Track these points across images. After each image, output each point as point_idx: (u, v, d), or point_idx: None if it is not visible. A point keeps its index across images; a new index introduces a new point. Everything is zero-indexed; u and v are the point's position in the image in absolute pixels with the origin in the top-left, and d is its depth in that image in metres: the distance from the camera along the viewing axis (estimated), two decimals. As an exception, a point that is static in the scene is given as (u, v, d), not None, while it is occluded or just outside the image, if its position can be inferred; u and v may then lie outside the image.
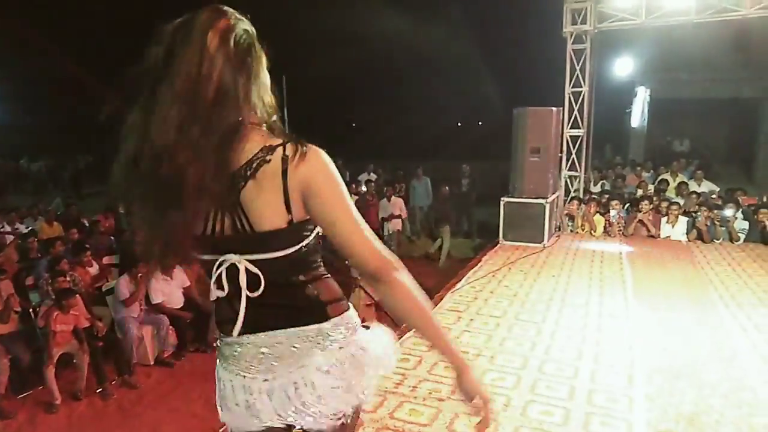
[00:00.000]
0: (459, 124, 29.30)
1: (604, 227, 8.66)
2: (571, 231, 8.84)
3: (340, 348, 1.36)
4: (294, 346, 1.34)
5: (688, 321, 4.81)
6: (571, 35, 8.84)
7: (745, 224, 8.13)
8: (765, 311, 5.09)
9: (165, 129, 1.14)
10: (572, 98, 9.02)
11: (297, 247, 1.29)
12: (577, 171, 9.32)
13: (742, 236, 8.04)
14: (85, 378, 4.92)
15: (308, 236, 1.31)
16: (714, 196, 9.24)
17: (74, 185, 17.61)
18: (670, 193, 9.56)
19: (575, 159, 9.22)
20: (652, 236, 8.34)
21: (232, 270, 1.29)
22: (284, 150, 1.22)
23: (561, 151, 8.96)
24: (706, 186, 9.89)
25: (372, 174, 12.04)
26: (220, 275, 1.30)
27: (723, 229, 8.06)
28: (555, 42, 9.17)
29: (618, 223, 8.58)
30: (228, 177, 1.20)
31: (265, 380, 1.35)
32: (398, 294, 1.27)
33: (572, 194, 9.29)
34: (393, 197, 9.76)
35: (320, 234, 1.34)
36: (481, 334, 4.47)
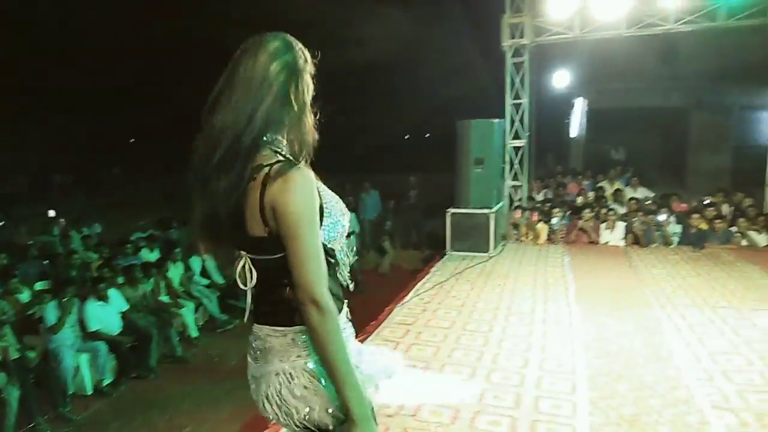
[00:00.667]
0: (407, 137, 29.59)
1: (548, 235, 8.90)
2: (516, 239, 9.04)
3: (298, 357, 1.43)
4: (268, 343, 1.47)
5: (628, 324, 4.98)
6: (510, 49, 9.11)
7: (678, 228, 8.53)
8: (697, 311, 5.33)
9: (211, 135, 1.39)
10: (513, 110, 9.27)
11: (283, 253, 1.36)
12: (519, 181, 9.56)
13: (676, 239, 8.43)
14: (15, 413, 4.62)
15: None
16: (649, 201, 9.65)
17: (5, 207, 16.69)
18: (608, 199, 9.93)
19: (518, 169, 9.45)
20: (593, 242, 8.63)
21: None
22: (270, 169, 1.35)
23: (504, 162, 9.18)
24: (641, 192, 10.31)
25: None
26: (242, 268, 1.46)
27: (658, 233, 8.43)
28: (496, 56, 9.43)
29: (560, 231, 8.84)
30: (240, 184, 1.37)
31: (255, 368, 1.51)
32: (312, 333, 1.36)
33: (516, 203, 9.52)
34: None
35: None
36: (430, 347, 4.48)
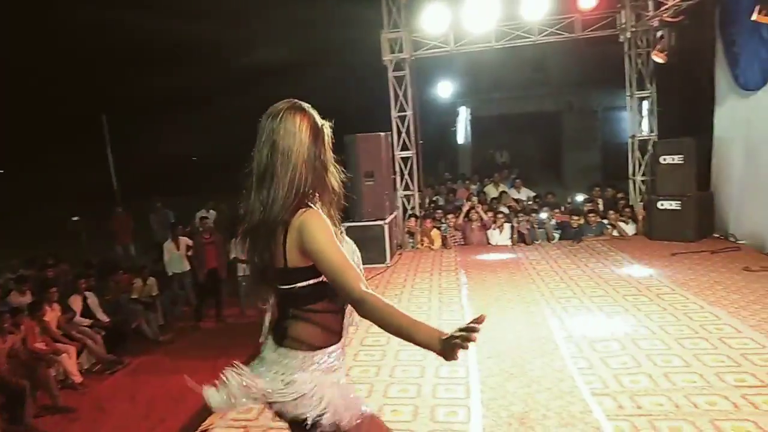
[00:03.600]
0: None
1: (442, 240, 9.17)
2: (412, 247, 9.23)
3: (275, 373, 1.78)
4: (269, 353, 1.85)
5: (516, 321, 5.21)
6: (391, 63, 9.33)
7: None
8: (578, 302, 5.71)
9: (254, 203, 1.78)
10: (399, 122, 9.49)
11: (292, 285, 1.77)
12: (411, 190, 9.78)
13: (557, 236, 9.01)
14: None
15: (301, 281, 1.77)
16: (530, 202, 10.26)
17: None
18: (497, 201, 10.43)
19: (408, 179, 9.67)
20: (484, 244, 9.02)
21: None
22: (292, 217, 1.72)
23: (394, 173, 9.35)
24: (524, 193, 10.95)
25: (211, 211, 11.51)
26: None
27: (541, 231, 8.97)
28: (379, 70, 9.62)
29: (452, 236, 9.15)
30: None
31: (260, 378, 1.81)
32: (371, 315, 1.66)
33: (409, 212, 9.73)
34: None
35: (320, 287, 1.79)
36: (328, 367, 4.41)
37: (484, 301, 5.96)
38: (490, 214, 9.28)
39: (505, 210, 9.62)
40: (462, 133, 17.08)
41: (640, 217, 9.11)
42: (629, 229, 8.96)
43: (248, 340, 7.11)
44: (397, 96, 9.41)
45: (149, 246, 11.44)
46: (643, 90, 9.44)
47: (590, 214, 9.07)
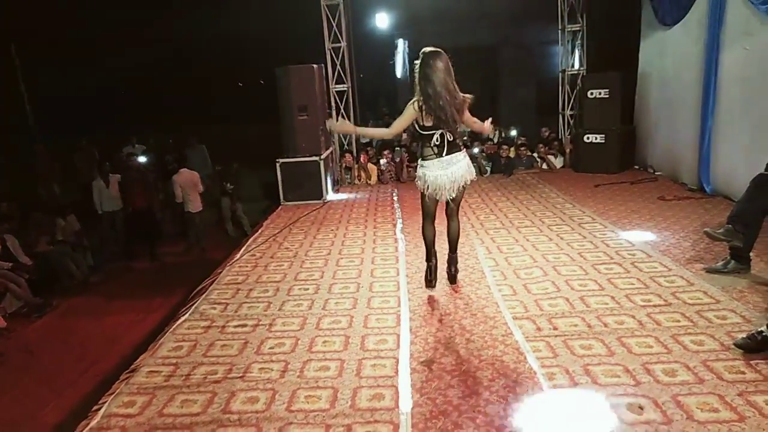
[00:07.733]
0: (240, 84, 28.05)
1: (378, 175, 9.20)
2: (349, 183, 9.23)
3: (465, 157, 4.13)
4: (454, 158, 4.07)
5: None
6: (323, -9, 8.93)
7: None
8: (506, 232, 5.94)
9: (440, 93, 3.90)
10: (333, 54, 9.21)
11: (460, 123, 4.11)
12: (347, 125, 9.63)
13: (489, 169, 9.22)
14: None
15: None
16: (466, 137, 10.36)
17: None
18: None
19: (344, 113, 9.52)
20: (419, 178, 9.12)
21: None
22: (463, 102, 4.03)
23: (329, 107, 9.17)
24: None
25: (137, 146, 10.97)
26: (441, 135, 4.03)
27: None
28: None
29: (388, 171, 9.19)
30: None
31: (452, 169, 4.06)
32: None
33: (345, 147, 9.64)
34: (184, 170, 8.76)
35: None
36: (261, 303, 4.44)
37: (418, 234, 6.07)
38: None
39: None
40: (400, 66, 16.77)
41: (567, 151, 9.42)
42: (558, 162, 9.28)
43: (182, 278, 7.06)
44: (330, 26, 9.08)
45: (75, 186, 10.89)
46: (575, 24, 9.53)
47: (521, 148, 9.30)
